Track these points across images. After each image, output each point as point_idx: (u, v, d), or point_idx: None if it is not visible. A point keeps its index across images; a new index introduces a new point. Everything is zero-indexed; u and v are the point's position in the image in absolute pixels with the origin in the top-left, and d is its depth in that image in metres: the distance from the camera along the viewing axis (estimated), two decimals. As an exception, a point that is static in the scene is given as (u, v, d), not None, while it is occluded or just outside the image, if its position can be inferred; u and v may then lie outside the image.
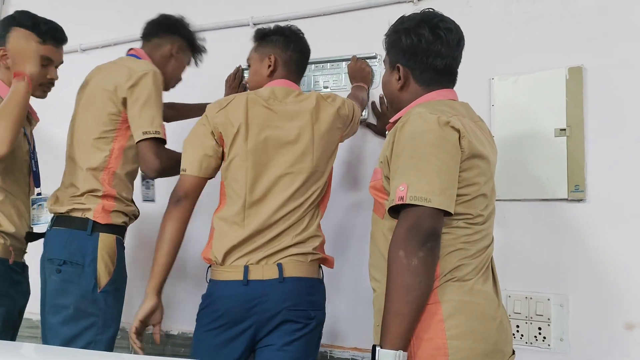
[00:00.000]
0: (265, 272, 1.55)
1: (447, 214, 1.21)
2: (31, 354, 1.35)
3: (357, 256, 2.06)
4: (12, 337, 1.82)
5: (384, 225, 1.33)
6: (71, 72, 1.97)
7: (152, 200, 2.04)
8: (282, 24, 2.26)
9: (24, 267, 1.85)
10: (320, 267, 1.67)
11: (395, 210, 1.24)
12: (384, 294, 1.21)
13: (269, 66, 1.72)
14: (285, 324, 1.55)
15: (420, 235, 1.17)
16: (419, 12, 1.41)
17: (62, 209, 1.75)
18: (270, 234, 1.57)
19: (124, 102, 1.75)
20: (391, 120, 1.41)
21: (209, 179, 1.67)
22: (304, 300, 1.57)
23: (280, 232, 1.58)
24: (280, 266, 1.55)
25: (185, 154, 1.65)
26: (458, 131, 1.24)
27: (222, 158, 1.65)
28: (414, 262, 1.15)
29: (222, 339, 1.55)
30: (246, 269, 1.55)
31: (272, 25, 1.80)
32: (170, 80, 1.97)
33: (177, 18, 2.00)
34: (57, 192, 1.82)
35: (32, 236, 1.85)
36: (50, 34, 1.80)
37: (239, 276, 1.55)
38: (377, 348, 1.16)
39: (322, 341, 1.69)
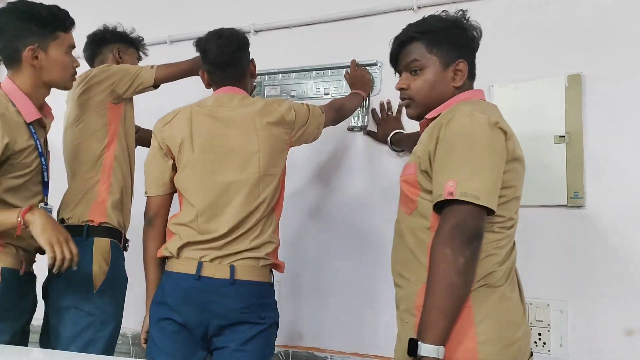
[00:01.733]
0: (217, 271, 1.58)
1: (488, 213, 1.21)
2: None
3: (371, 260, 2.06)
4: None
5: (412, 222, 1.33)
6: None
7: None
8: (282, 30, 2.32)
9: (32, 277, 1.82)
10: (271, 271, 1.69)
11: (437, 206, 1.24)
12: (414, 292, 1.24)
13: (205, 81, 1.79)
14: (238, 325, 1.57)
15: (467, 233, 1.17)
16: (443, 11, 1.44)
17: (66, 220, 1.84)
18: (225, 240, 1.59)
19: (107, 90, 1.86)
20: (428, 117, 1.41)
21: (174, 192, 1.72)
22: (255, 302, 1.59)
23: (236, 238, 1.60)
24: (232, 268, 1.57)
25: (145, 176, 1.73)
26: (505, 133, 1.26)
27: (176, 169, 1.70)
28: (460, 261, 1.15)
29: (171, 330, 1.58)
30: (200, 264, 1.58)
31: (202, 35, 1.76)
32: None
33: (102, 30, 2.10)
34: (62, 202, 1.89)
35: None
36: (70, 20, 1.72)
37: (192, 270, 1.58)
38: (420, 343, 1.15)
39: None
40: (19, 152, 1.63)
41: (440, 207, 1.23)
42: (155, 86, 1.93)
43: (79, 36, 2.24)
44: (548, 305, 1.76)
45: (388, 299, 1.97)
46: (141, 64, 2.15)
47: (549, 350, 1.74)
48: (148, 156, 1.74)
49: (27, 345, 1.82)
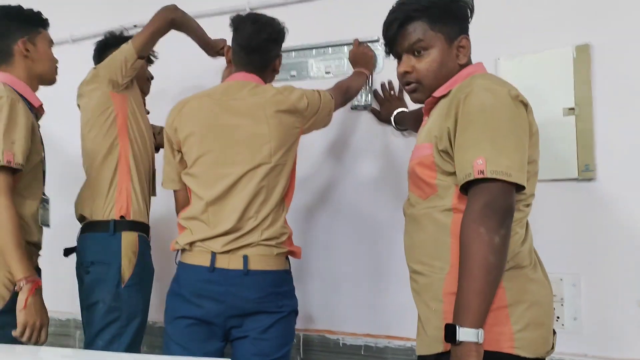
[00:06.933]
0: (230, 261, 1.56)
1: (517, 190, 1.18)
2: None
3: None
4: None
5: (428, 205, 1.28)
6: (62, 63, 1.91)
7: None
8: (279, 8, 2.25)
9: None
10: (287, 258, 1.67)
11: (462, 185, 1.20)
12: (441, 278, 1.22)
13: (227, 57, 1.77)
14: (256, 314, 1.57)
15: (500, 212, 1.14)
16: None
17: (88, 216, 1.86)
18: (238, 233, 1.57)
19: (105, 80, 1.86)
20: (436, 95, 1.35)
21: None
22: (271, 292, 1.58)
23: (248, 231, 1.57)
24: (245, 258, 1.55)
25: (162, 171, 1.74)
26: (526, 106, 1.22)
27: (184, 163, 1.67)
28: (496, 240, 1.12)
29: (185, 324, 1.57)
30: (213, 255, 1.56)
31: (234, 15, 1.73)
32: (143, 84, 2.05)
33: (107, 36, 2.06)
34: (81, 198, 1.89)
35: (69, 251, 1.92)
36: (46, 18, 1.82)
37: (206, 262, 1.56)
38: (458, 327, 1.12)
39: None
40: (34, 137, 1.68)
41: (466, 186, 1.19)
42: (141, 57, 1.87)
43: (69, 25, 2.17)
44: (561, 279, 1.75)
45: (398, 279, 1.97)
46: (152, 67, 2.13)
47: (562, 325, 1.74)
48: (164, 151, 1.73)
49: None
